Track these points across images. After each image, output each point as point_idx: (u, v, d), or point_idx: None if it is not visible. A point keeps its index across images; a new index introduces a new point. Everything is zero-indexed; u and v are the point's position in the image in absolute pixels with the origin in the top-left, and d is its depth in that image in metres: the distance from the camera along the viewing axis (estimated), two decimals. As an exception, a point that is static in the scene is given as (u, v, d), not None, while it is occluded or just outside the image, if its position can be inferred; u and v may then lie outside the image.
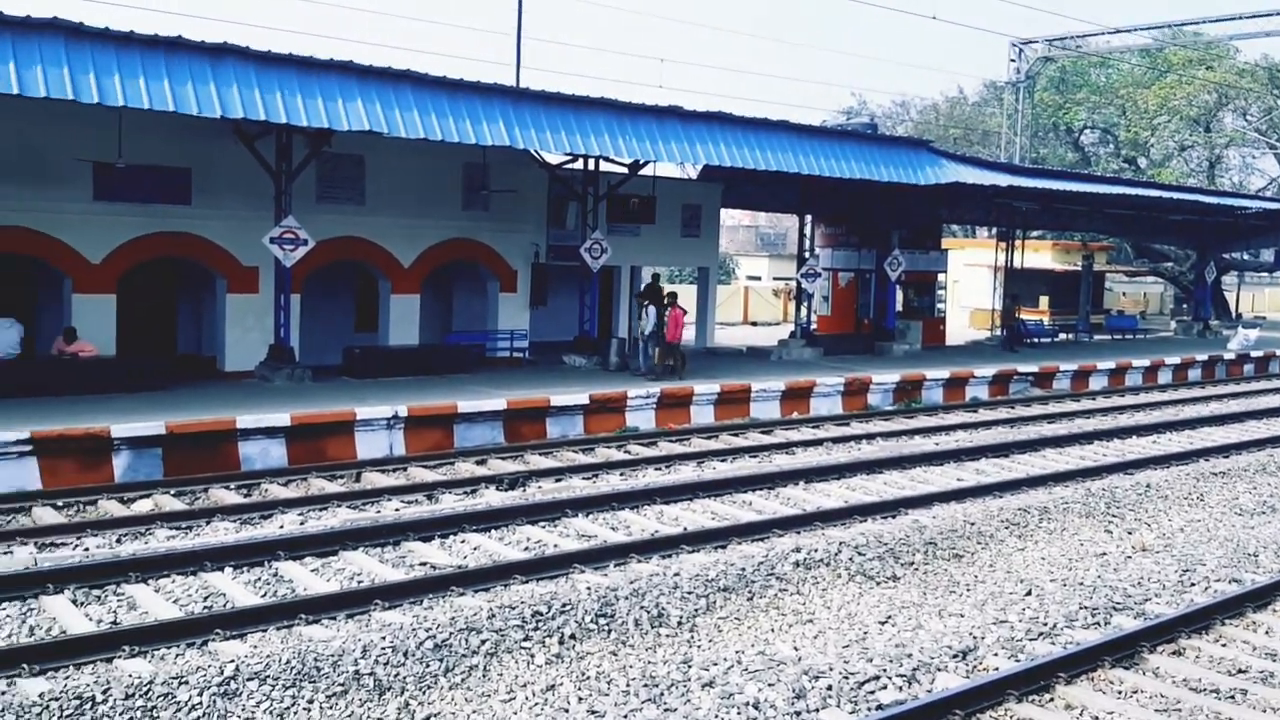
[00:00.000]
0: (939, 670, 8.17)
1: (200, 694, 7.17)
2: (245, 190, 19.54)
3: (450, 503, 13.32)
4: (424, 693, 7.63)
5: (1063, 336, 37.06)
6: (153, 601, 9.23)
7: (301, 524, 12.12)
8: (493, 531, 11.73)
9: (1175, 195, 31.67)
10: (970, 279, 45.10)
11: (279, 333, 19.12)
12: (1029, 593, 10.11)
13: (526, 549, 11.25)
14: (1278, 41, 44.11)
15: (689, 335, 25.75)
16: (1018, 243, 36.45)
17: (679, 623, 9.04)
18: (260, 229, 18.62)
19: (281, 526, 12.03)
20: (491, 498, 13.56)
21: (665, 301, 22.44)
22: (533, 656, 8.26)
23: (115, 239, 19.08)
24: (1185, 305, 46.95)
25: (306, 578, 10.08)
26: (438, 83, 17.69)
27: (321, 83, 16.52)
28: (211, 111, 15.49)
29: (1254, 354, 32.73)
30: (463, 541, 11.38)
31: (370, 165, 21.72)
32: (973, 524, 12.24)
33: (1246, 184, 52.23)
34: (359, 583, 10.03)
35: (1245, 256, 48.74)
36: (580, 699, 7.64)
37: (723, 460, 16.42)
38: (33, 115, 16.57)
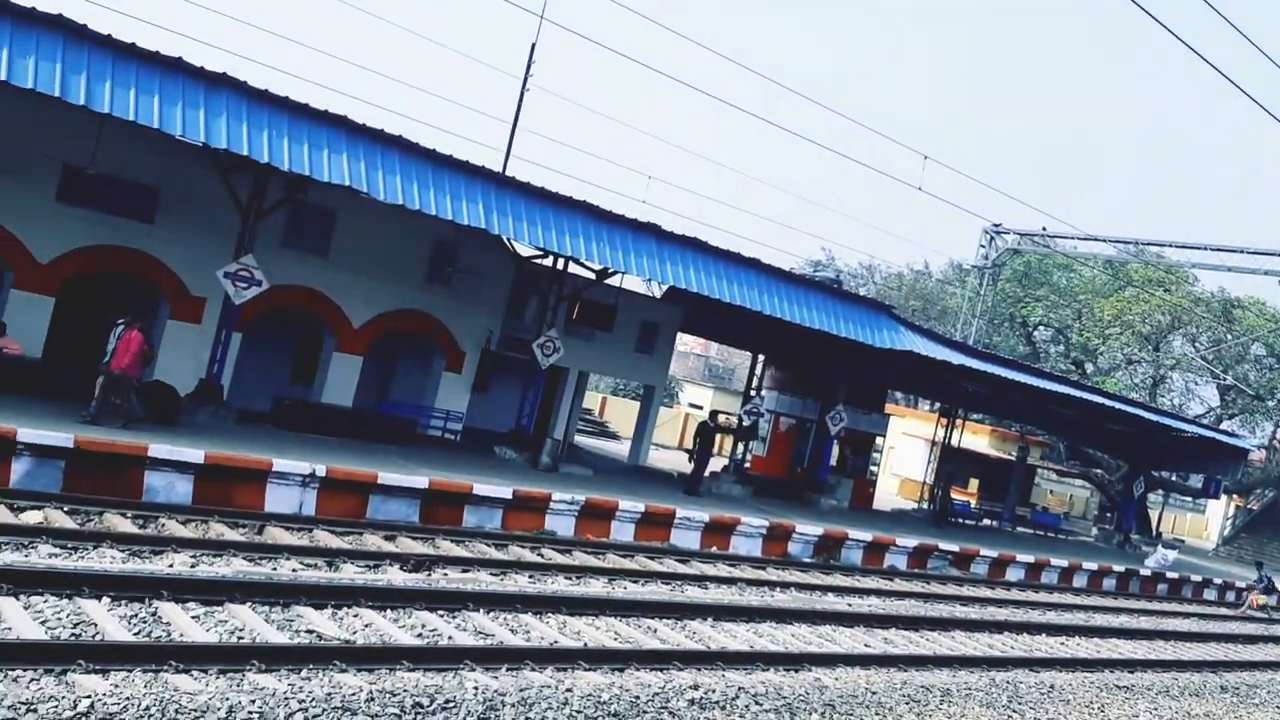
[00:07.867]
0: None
1: (45, 727, 6.71)
2: (210, 221, 19.31)
3: (351, 573, 12.86)
4: (282, 768, 7.20)
5: (986, 522, 37.28)
6: (19, 619, 8.71)
7: (193, 567, 11.63)
8: (389, 611, 11.29)
9: (1117, 405, 32.23)
10: (906, 448, 45.55)
11: (212, 368, 18.68)
12: (920, 774, 9.85)
13: (420, 635, 10.83)
14: (1235, 277, 45.37)
15: (618, 448, 25.42)
16: (958, 422, 36.94)
17: (561, 741, 8.66)
18: (217, 261, 18.32)
19: (171, 565, 11.53)
20: (394, 576, 13.12)
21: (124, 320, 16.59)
22: (404, 750, 7.85)
23: (68, 242, 18.71)
24: (1109, 514, 47.49)
25: (186, 623, 9.60)
26: (425, 153, 17.64)
27: (310, 130, 16.42)
28: (196, 137, 15.35)
29: (1170, 574, 33.02)
30: (355, 616, 10.94)
31: (340, 220, 21.60)
32: (874, 693, 12.00)
33: (1186, 408, 53.44)
34: (239, 638, 9.58)
35: (1174, 478, 49.47)
36: (444, 804, 7.24)
37: (635, 581, 16.08)
38: (13, 103, 16.32)
